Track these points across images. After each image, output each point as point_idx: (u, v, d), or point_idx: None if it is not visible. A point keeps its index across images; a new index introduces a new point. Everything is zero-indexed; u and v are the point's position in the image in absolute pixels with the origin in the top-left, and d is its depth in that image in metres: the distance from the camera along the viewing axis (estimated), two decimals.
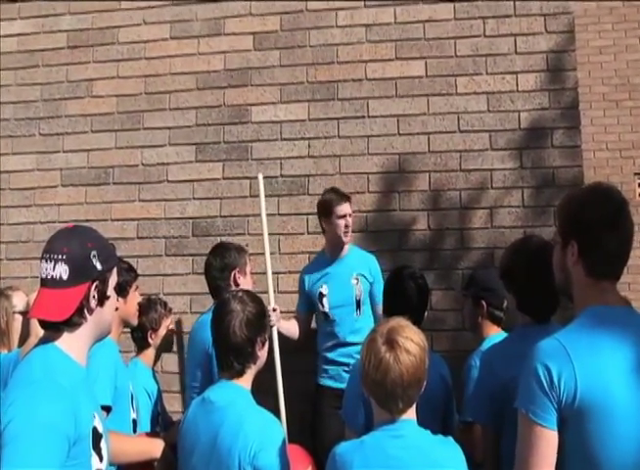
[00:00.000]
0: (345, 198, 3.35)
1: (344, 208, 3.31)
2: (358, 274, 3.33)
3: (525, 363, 1.51)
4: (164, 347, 3.14)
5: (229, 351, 1.89)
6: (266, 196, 3.48)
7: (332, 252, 3.40)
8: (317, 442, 3.13)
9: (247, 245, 3.61)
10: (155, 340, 3.04)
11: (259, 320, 1.96)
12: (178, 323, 3.73)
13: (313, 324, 3.50)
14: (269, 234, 3.28)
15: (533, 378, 1.48)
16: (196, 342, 2.78)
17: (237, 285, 2.84)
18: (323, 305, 3.34)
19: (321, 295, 3.35)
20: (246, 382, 1.92)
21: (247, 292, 2.06)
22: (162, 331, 3.07)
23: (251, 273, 3.11)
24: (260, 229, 3.29)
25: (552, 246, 1.76)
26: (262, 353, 1.96)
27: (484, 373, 2.08)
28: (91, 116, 4.05)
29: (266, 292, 3.17)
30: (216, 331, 1.94)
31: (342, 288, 3.32)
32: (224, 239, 3.78)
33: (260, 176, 3.33)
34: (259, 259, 3.48)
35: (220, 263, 2.88)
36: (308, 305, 3.42)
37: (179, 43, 4.01)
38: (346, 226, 3.30)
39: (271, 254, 3.32)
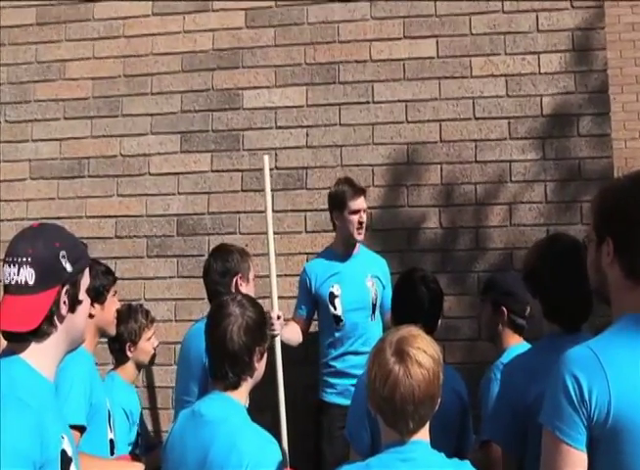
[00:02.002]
0: (360, 191, 3.31)
1: (359, 202, 3.28)
2: (373, 276, 3.33)
3: (552, 374, 1.48)
4: (145, 360, 3.11)
5: (224, 358, 1.88)
6: (260, 190, 3.46)
7: (343, 249, 3.37)
8: (322, 467, 3.11)
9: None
10: (134, 353, 3.03)
11: (259, 328, 1.94)
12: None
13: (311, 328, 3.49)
14: (262, 233, 3.26)
15: (561, 391, 1.45)
16: (191, 352, 2.76)
17: (238, 292, 2.82)
18: (335, 307, 3.29)
19: (332, 295, 3.30)
20: (241, 396, 1.90)
21: (246, 296, 2.04)
22: (143, 343, 3.05)
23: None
24: (256, 228, 3.29)
25: (582, 244, 1.73)
26: (260, 366, 1.95)
27: (506, 388, 2.05)
28: (63, 101, 4.03)
29: (268, 297, 3.16)
30: (211, 336, 1.92)
31: (357, 289, 3.30)
32: (212, 238, 3.76)
33: (266, 159, 3.08)
34: (254, 261, 3.45)
35: (221, 267, 2.87)
36: (311, 309, 3.39)
37: (162, 20, 3.99)
38: (360, 223, 3.27)
39: (265, 255, 3.30)
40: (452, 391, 2.36)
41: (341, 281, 3.32)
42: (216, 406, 1.86)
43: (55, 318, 1.49)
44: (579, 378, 1.43)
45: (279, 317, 3.14)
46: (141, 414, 3.07)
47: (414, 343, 1.65)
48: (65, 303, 1.50)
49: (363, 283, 3.31)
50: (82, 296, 1.56)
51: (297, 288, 3.67)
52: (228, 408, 1.86)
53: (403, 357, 1.62)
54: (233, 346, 1.87)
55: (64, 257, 1.49)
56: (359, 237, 3.30)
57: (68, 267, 1.50)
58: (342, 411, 3.10)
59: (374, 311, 3.31)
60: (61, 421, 1.51)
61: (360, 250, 3.40)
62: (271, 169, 3.71)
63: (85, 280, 1.58)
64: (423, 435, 1.67)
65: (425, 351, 1.64)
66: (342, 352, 3.28)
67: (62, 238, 1.53)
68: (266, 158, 3.14)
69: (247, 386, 1.92)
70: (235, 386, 1.88)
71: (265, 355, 1.96)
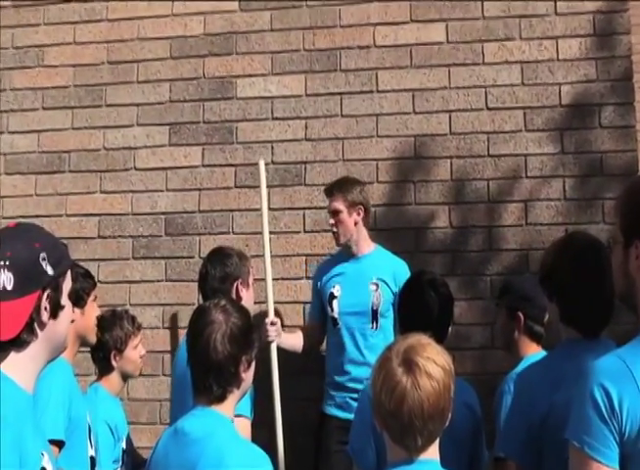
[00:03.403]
0: (329, 191, 3.37)
1: (331, 203, 3.35)
2: (379, 279, 3.32)
3: (579, 386, 1.48)
4: (131, 370, 3.11)
5: (208, 370, 1.86)
6: (255, 187, 3.46)
7: (345, 250, 3.41)
8: None
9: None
10: (120, 362, 3.02)
11: (246, 335, 1.93)
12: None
13: None
14: (257, 233, 3.26)
15: (589, 403, 1.45)
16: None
17: (239, 298, 2.84)
18: (332, 309, 3.35)
19: (332, 296, 3.36)
20: (227, 409, 1.89)
21: (231, 300, 2.03)
22: (129, 352, 3.05)
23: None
24: (250, 227, 3.29)
25: (602, 244, 1.73)
26: (247, 376, 1.93)
27: (521, 400, 2.05)
28: (42, 89, 4.02)
29: (263, 302, 3.17)
30: (193, 346, 1.91)
31: (356, 291, 3.32)
32: (204, 238, 3.76)
33: (262, 163, 3.31)
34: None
35: (220, 272, 2.89)
36: (321, 310, 3.43)
37: (149, 2, 3.98)
38: (331, 226, 3.35)
39: (261, 256, 3.30)
40: (464, 404, 2.36)
41: (342, 282, 3.35)
42: (201, 423, 1.85)
43: (35, 325, 1.48)
44: (609, 389, 1.43)
45: (273, 323, 3.16)
46: (127, 429, 3.06)
47: (423, 352, 1.65)
48: (46, 308, 1.49)
49: (364, 286, 3.31)
50: (64, 301, 1.56)
51: (294, 292, 3.69)
52: (214, 423, 1.84)
53: (411, 368, 1.62)
54: (217, 356, 1.85)
55: (44, 259, 1.48)
56: (336, 242, 3.38)
57: (50, 270, 1.49)
58: (341, 424, 3.15)
59: (375, 319, 3.30)
60: (40, 437, 1.50)
61: (375, 250, 3.41)
62: (267, 164, 3.71)
63: (67, 284, 1.58)
64: (432, 452, 1.67)
65: (435, 361, 1.64)
66: (340, 362, 3.30)
67: (41, 239, 1.52)
68: (262, 162, 3.28)
69: (233, 398, 1.90)
70: (220, 399, 1.87)
71: (253, 364, 1.95)
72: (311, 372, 3.43)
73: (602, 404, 1.43)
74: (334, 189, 3.36)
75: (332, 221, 3.34)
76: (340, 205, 3.32)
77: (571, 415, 1.49)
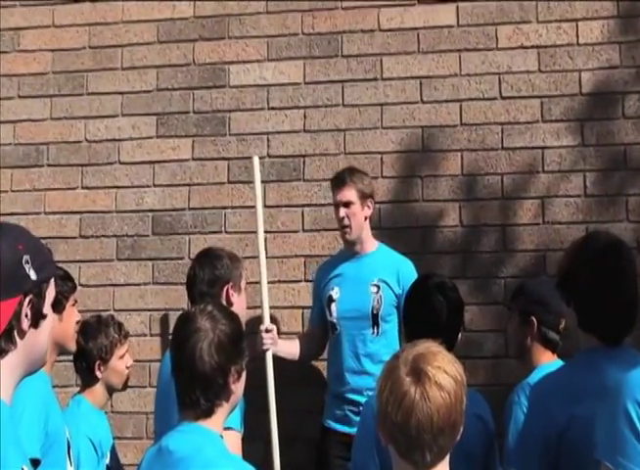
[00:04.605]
0: (340, 181, 3.33)
1: (342, 193, 3.31)
2: (380, 280, 3.32)
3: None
4: (117, 382, 3.11)
5: (194, 382, 1.85)
6: (250, 183, 3.46)
7: (348, 247, 3.42)
8: None
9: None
10: (104, 373, 3.02)
11: (235, 344, 1.92)
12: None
13: None
14: (252, 232, 3.26)
15: (623, 420, 1.45)
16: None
17: (229, 303, 2.85)
18: (331, 313, 3.36)
19: (330, 299, 3.38)
20: (215, 424, 1.88)
21: (218, 306, 2.02)
22: (115, 362, 3.05)
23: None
24: (244, 226, 3.29)
25: (625, 244, 1.73)
26: (237, 388, 1.93)
27: (536, 412, 2.05)
28: (18, 76, 4.02)
29: (258, 307, 3.17)
30: (177, 356, 1.90)
31: (355, 294, 3.32)
32: (194, 238, 3.76)
33: (256, 159, 3.30)
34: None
35: (209, 275, 2.89)
36: (322, 315, 3.44)
37: None
38: (342, 219, 3.31)
39: (255, 257, 3.31)
40: (476, 417, 2.36)
41: (341, 284, 3.37)
42: (187, 440, 1.84)
43: (15, 334, 1.48)
44: None
45: (269, 330, 3.17)
46: (113, 445, 3.06)
47: (433, 361, 1.64)
48: (27, 316, 1.49)
49: (365, 288, 3.31)
50: (47, 309, 1.55)
51: (292, 296, 3.69)
52: (201, 440, 1.83)
53: (420, 378, 1.61)
54: (204, 366, 1.84)
55: (27, 262, 1.48)
56: (347, 237, 3.34)
57: (33, 275, 1.49)
58: (340, 438, 3.18)
59: (376, 324, 3.30)
60: (21, 452, 1.51)
61: (378, 249, 3.42)
62: (262, 158, 3.72)
63: (51, 291, 1.57)
64: (442, 469, 1.68)
65: (446, 370, 1.63)
66: (339, 371, 3.31)
67: (25, 240, 1.51)
68: (256, 158, 3.27)
69: (222, 412, 1.90)
70: (208, 413, 1.86)
71: (244, 375, 1.95)
72: (310, 382, 3.44)
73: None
74: (346, 177, 3.33)
75: (342, 214, 3.30)
76: (352, 195, 3.30)
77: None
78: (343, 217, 3.30)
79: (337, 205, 3.33)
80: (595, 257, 2.02)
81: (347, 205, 3.30)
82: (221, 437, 1.89)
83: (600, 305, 1.97)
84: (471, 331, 3.51)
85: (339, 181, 3.34)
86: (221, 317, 1.92)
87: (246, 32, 3.89)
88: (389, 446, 1.69)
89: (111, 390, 3.10)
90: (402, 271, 3.32)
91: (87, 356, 2.95)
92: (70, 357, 2.99)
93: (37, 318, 1.51)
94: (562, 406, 1.90)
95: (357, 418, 3.07)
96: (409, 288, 2.69)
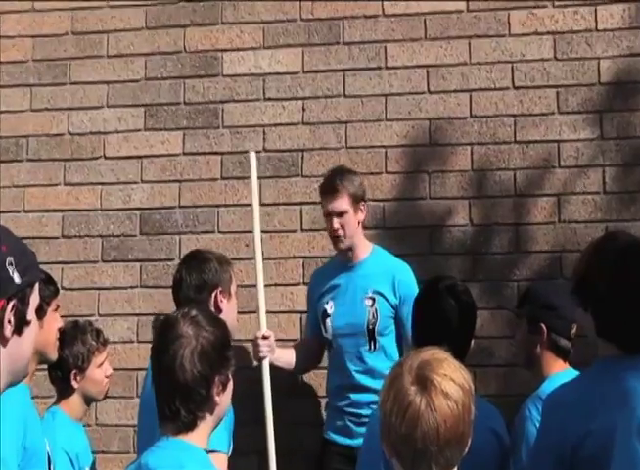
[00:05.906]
0: (337, 188, 3.26)
1: (334, 203, 3.26)
2: (375, 292, 3.32)
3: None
4: (95, 393, 3.12)
5: (174, 392, 1.85)
6: (245, 178, 3.46)
7: (340, 255, 3.42)
8: None
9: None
10: (81, 383, 3.02)
11: (219, 352, 1.91)
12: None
13: None
14: (248, 232, 3.26)
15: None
16: None
17: (218, 309, 2.85)
18: (326, 329, 3.38)
19: (325, 314, 3.39)
20: (198, 438, 1.87)
21: (203, 310, 2.02)
22: (93, 371, 3.05)
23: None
24: (239, 225, 3.29)
25: None
26: (223, 399, 1.92)
27: (549, 427, 2.05)
28: None
29: (254, 312, 3.17)
30: (157, 365, 1.91)
31: (349, 308, 3.33)
32: (185, 238, 3.76)
33: (253, 155, 3.27)
34: (237, 267, 3.46)
35: (197, 280, 2.88)
36: (318, 325, 3.44)
37: None
38: (334, 230, 3.27)
39: (251, 259, 3.32)
40: (488, 430, 2.37)
41: (335, 298, 3.38)
42: (167, 457, 1.83)
43: None
44: None
45: (265, 337, 3.17)
46: (93, 461, 3.06)
47: (439, 368, 1.65)
48: (9, 322, 1.49)
49: (359, 302, 3.32)
50: (31, 316, 1.55)
51: (290, 300, 3.69)
52: (182, 456, 1.83)
53: (426, 386, 1.62)
54: (184, 375, 1.84)
55: (11, 264, 1.48)
56: (340, 246, 3.31)
57: (16, 278, 1.49)
58: (340, 450, 3.20)
59: (373, 339, 3.31)
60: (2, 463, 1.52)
61: (371, 254, 3.41)
62: (258, 152, 3.72)
63: (35, 297, 1.57)
64: None
65: (452, 378, 1.64)
66: (339, 386, 3.34)
67: (8, 241, 1.51)
68: (252, 154, 3.24)
69: (206, 425, 1.89)
70: (189, 427, 1.85)
71: (230, 386, 1.94)
72: (309, 393, 3.45)
73: None
74: (337, 184, 3.28)
75: (336, 225, 3.26)
76: (346, 203, 3.27)
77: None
78: (337, 229, 3.27)
79: (328, 214, 3.29)
80: (615, 258, 2.02)
81: (341, 214, 3.27)
82: (205, 452, 1.88)
83: (620, 310, 1.97)
84: (482, 337, 3.49)
85: (329, 189, 3.29)
86: (205, 323, 1.92)
87: (240, 18, 3.90)
88: (393, 460, 1.70)
89: (88, 400, 3.09)
90: (398, 278, 3.33)
91: (62, 365, 2.93)
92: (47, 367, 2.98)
93: (21, 325, 1.51)
94: (578, 420, 1.90)
95: (358, 429, 3.11)
96: (418, 291, 2.70)
